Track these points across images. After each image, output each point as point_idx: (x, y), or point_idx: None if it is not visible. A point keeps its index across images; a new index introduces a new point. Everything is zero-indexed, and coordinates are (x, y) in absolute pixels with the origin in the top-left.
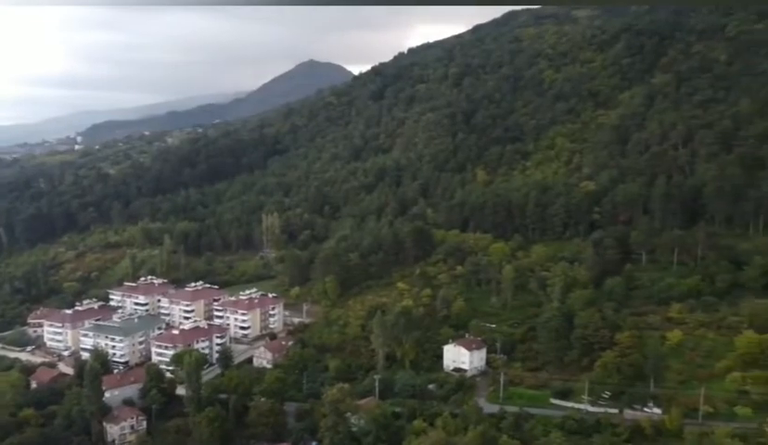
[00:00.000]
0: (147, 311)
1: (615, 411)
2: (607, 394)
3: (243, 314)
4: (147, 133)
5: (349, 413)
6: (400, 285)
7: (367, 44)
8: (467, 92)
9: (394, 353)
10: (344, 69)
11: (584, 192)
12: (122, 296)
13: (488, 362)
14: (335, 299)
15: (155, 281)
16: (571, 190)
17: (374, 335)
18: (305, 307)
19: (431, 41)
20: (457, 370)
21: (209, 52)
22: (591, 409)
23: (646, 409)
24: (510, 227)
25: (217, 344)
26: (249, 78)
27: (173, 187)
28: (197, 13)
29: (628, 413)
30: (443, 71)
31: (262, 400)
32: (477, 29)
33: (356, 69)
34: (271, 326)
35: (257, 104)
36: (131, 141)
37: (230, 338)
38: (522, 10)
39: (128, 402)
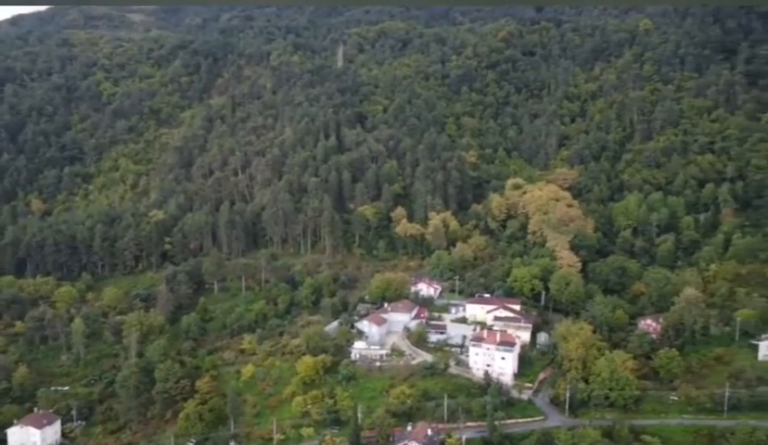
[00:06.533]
0: None
1: None
2: (192, 442)
3: None
4: None
5: None
6: None
7: None
8: (10, 102)
9: None
10: None
11: (154, 222)
12: None
13: (64, 434)
14: None
15: None
16: (141, 220)
17: None
18: None
19: None
20: None
21: None
22: None
23: None
24: (77, 266)
25: None
26: None
27: None
28: None
29: None
30: None
31: None
32: (17, 21)
33: None
34: None
35: None
36: None
37: None
38: (71, 7)
39: None
